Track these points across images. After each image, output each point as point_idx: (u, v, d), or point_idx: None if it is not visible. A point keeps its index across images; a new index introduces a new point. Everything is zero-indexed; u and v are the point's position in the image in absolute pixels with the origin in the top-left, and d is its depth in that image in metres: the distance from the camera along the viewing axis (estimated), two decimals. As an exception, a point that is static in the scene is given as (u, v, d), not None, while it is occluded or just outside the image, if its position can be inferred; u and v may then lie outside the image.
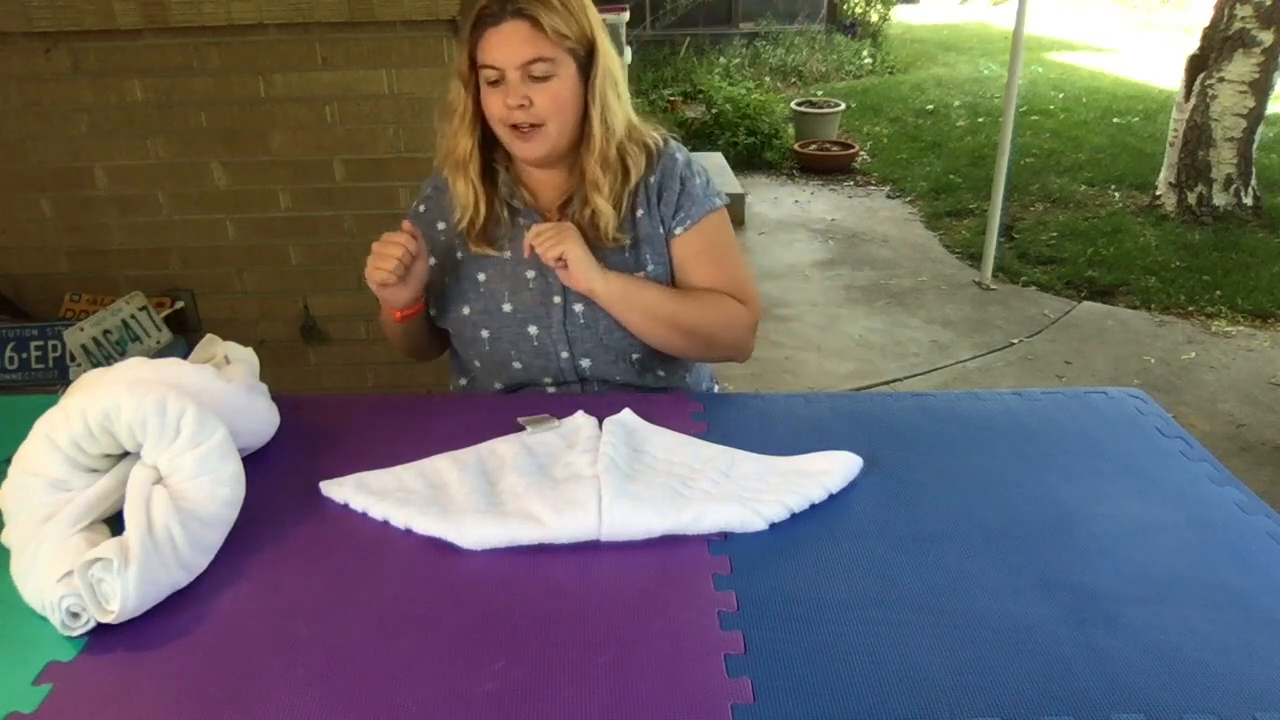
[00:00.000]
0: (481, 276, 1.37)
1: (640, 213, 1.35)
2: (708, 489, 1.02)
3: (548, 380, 1.38)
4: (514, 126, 1.26)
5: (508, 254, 1.36)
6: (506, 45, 1.22)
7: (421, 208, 1.43)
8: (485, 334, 1.37)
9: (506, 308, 1.35)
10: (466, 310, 1.38)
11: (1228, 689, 0.77)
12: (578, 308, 1.34)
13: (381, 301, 1.33)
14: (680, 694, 0.76)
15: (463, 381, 1.47)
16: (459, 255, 1.38)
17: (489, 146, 1.34)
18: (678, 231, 1.36)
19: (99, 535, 0.92)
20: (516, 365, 1.38)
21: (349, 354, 2.76)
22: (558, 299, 1.34)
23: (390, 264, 1.25)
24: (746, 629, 0.84)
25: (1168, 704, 0.75)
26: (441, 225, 1.40)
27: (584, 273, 1.25)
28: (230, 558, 0.95)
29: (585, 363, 1.36)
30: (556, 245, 1.24)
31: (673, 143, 1.40)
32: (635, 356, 1.37)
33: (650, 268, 1.35)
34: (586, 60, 1.27)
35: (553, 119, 1.26)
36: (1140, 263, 4.33)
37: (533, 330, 1.35)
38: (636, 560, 0.94)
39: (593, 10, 1.29)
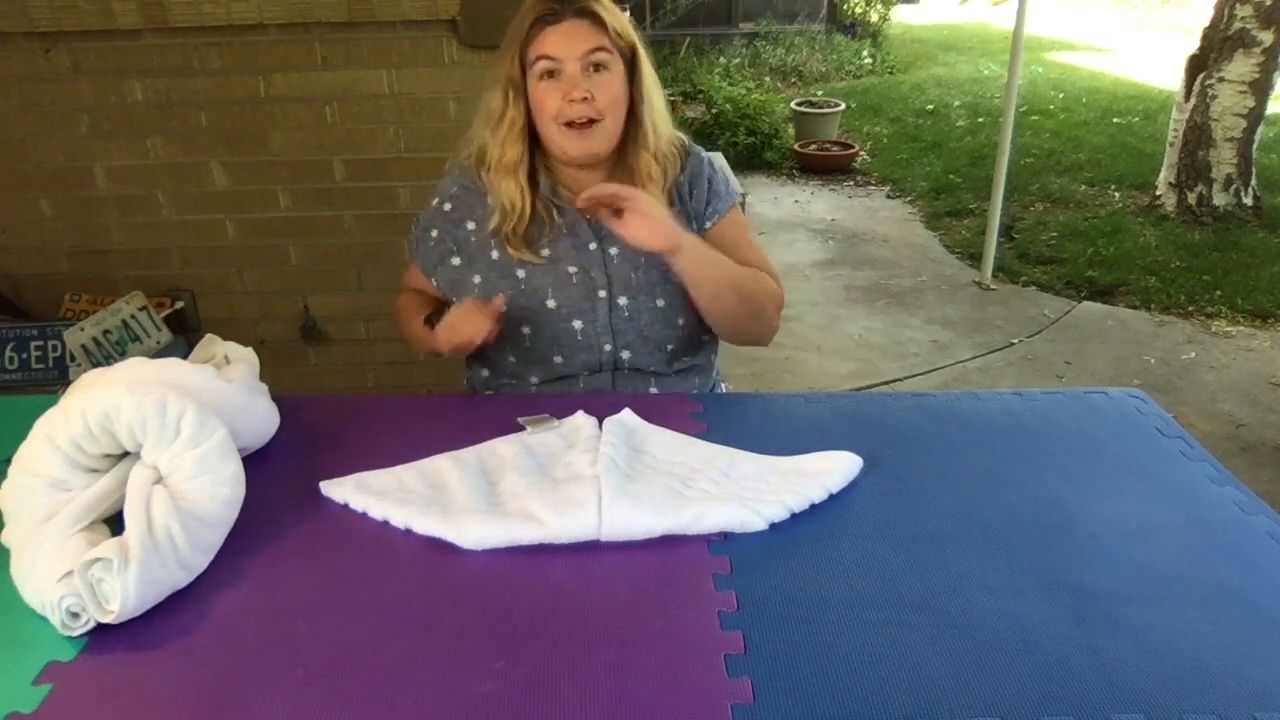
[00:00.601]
0: (521, 274, 1.37)
1: (675, 208, 1.40)
2: (708, 489, 1.02)
3: (584, 371, 1.40)
4: (569, 124, 1.28)
5: (546, 252, 1.37)
6: (568, 39, 1.25)
7: (447, 206, 1.42)
8: (526, 330, 1.38)
9: (550, 304, 1.36)
10: (510, 295, 1.38)
11: (1227, 689, 0.77)
12: (622, 301, 1.36)
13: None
14: (680, 694, 0.76)
15: (485, 373, 1.46)
16: (494, 255, 1.38)
17: (531, 152, 1.36)
18: (708, 225, 1.41)
19: (99, 535, 0.92)
20: (558, 359, 1.39)
21: (349, 354, 2.76)
22: (603, 293, 1.36)
23: (469, 340, 1.25)
24: (746, 629, 0.84)
25: (1168, 704, 0.75)
26: (471, 225, 1.40)
27: (672, 228, 1.24)
28: (230, 558, 0.95)
29: (626, 354, 1.38)
30: (630, 195, 1.21)
31: (697, 146, 1.46)
32: (670, 348, 1.40)
33: None
34: (632, 62, 1.32)
35: (609, 113, 1.29)
36: (1140, 263, 4.33)
37: (577, 325, 1.36)
38: (636, 560, 0.94)
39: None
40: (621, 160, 1.36)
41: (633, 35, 1.32)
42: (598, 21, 1.25)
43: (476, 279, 1.38)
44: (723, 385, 1.58)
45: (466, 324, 1.26)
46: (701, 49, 8.74)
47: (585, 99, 1.26)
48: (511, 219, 1.34)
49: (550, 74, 1.27)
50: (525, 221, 1.35)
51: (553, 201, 1.38)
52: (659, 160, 1.35)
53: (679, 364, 1.42)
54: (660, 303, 1.37)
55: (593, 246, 1.36)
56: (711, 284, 1.31)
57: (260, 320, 2.71)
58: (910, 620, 0.85)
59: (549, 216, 1.37)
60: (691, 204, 1.40)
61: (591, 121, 1.28)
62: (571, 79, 1.26)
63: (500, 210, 1.35)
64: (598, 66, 1.27)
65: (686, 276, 1.29)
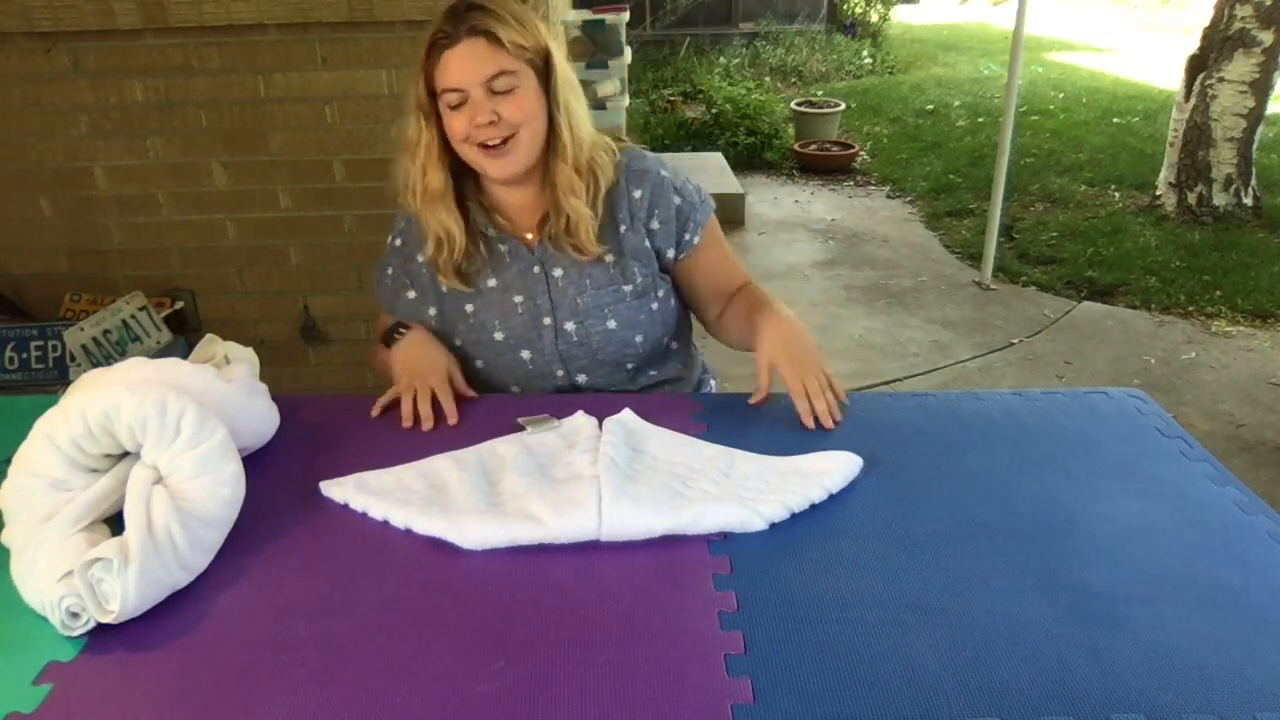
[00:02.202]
0: (469, 308, 1.35)
1: (624, 228, 1.34)
2: (708, 489, 1.02)
3: (552, 383, 1.38)
4: (483, 146, 1.23)
5: (492, 283, 1.34)
6: (466, 65, 1.20)
7: (399, 241, 1.41)
8: (480, 364, 1.37)
9: (498, 336, 1.34)
10: (458, 342, 1.37)
11: (1227, 689, 0.77)
12: (569, 326, 1.33)
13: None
14: (680, 694, 0.77)
15: None
16: (444, 289, 1.35)
17: (457, 179, 1.31)
18: (695, 242, 1.37)
19: (99, 535, 0.92)
20: (515, 389, 1.38)
21: (349, 354, 2.76)
22: (548, 320, 1.33)
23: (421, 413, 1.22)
24: (746, 629, 0.84)
25: (1168, 704, 0.75)
26: (420, 258, 1.37)
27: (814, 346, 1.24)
28: (230, 557, 0.95)
29: (581, 378, 1.37)
30: (824, 393, 1.21)
31: (648, 155, 1.38)
32: (630, 366, 1.37)
33: (639, 280, 1.34)
34: (545, 70, 1.26)
35: (524, 125, 1.23)
36: (1140, 263, 4.33)
37: (525, 355, 1.34)
38: (636, 560, 0.94)
39: (543, 23, 1.28)
40: (547, 174, 1.30)
41: (543, 40, 1.25)
42: (495, 40, 1.19)
43: (432, 311, 1.37)
44: (713, 383, 1.57)
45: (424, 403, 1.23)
46: (701, 49, 8.75)
47: (491, 123, 1.21)
48: (446, 249, 1.31)
49: (458, 102, 1.22)
50: (461, 251, 1.31)
51: (486, 233, 1.34)
52: (581, 171, 1.28)
53: (645, 379, 1.40)
54: (612, 324, 1.33)
55: (536, 270, 1.33)
56: None
57: (260, 320, 2.72)
58: (910, 620, 0.85)
59: (485, 248, 1.33)
60: (654, 223, 1.34)
61: (505, 140, 1.23)
62: (476, 104, 1.21)
63: (435, 240, 1.31)
64: (503, 89, 1.22)
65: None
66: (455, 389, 1.27)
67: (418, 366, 1.28)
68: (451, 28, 1.20)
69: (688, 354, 1.48)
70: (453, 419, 1.22)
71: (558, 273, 1.33)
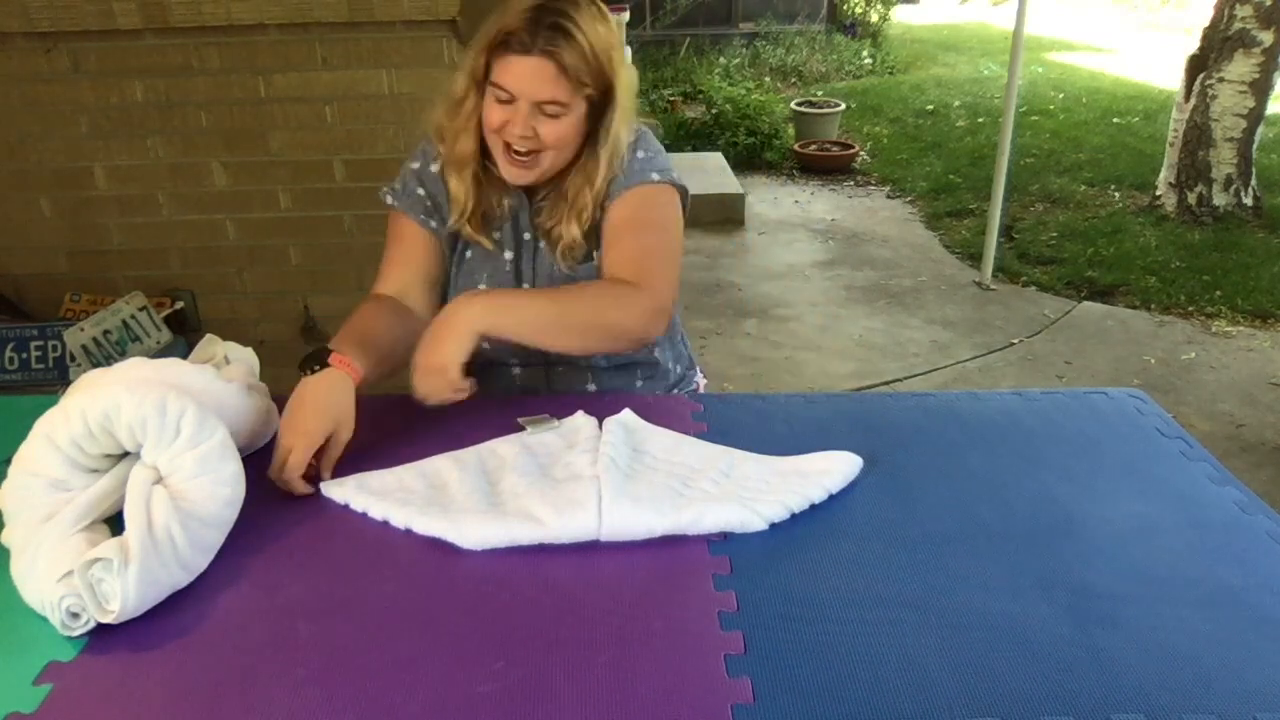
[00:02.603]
0: (469, 254, 1.39)
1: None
2: (708, 489, 1.02)
3: (514, 361, 1.40)
4: (509, 147, 1.25)
5: (497, 234, 1.38)
6: (525, 79, 1.20)
7: (434, 167, 1.37)
8: None
9: (482, 288, 1.37)
10: (454, 271, 1.40)
11: (1227, 689, 0.77)
12: None
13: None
14: (680, 694, 0.77)
15: None
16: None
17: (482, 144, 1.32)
18: (606, 205, 1.33)
19: (99, 535, 0.92)
20: (484, 345, 1.36)
21: (349, 354, 2.76)
22: (526, 286, 1.37)
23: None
24: (746, 629, 0.84)
25: (1168, 704, 0.75)
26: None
27: (447, 346, 1.14)
28: (231, 557, 0.95)
29: None
30: (433, 395, 1.13)
31: (642, 133, 1.37)
32: None
33: (598, 256, 1.35)
34: (600, 101, 1.26)
35: (552, 149, 1.25)
36: (1140, 263, 4.33)
37: None
38: (636, 560, 0.94)
39: (619, 51, 1.26)
40: (559, 182, 1.31)
41: (609, 75, 1.24)
42: (562, 70, 1.19)
43: (435, 237, 1.36)
44: (700, 381, 1.57)
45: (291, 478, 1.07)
46: (701, 49, 8.74)
47: (526, 136, 1.22)
48: (456, 212, 1.33)
49: (506, 99, 1.22)
50: (467, 216, 1.33)
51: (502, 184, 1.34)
52: (595, 201, 1.30)
53: (616, 358, 1.40)
54: None
55: (526, 237, 1.37)
56: (536, 336, 1.21)
57: (260, 320, 2.71)
58: (910, 620, 0.85)
59: (506, 201, 1.35)
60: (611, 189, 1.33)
61: (531, 153, 1.24)
62: (520, 114, 1.21)
63: (453, 202, 1.34)
64: (551, 113, 1.22)
65: (512, 341, 1.20)
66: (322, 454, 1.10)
67: (299, 418, 1.10)
68: (529, 37, 1.18)
69: (662, 347, 1.45)
70: (298, 485, 1.07)
71: (543, 245, 1.37)
